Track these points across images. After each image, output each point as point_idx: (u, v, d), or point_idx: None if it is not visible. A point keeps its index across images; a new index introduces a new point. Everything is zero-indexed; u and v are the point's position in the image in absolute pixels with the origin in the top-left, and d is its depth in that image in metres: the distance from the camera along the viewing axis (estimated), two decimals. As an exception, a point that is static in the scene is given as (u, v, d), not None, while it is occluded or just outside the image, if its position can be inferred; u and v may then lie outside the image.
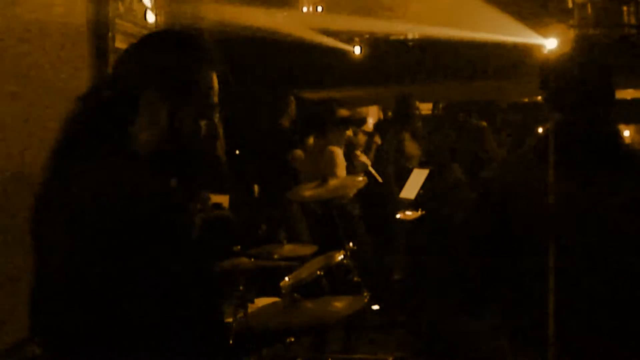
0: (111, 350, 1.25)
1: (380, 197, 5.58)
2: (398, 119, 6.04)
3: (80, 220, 1.26)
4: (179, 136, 1.42)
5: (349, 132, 5.07)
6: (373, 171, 5.21)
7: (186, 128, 1.42)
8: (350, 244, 3.60)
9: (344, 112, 5.07)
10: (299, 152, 5.17)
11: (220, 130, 1.48)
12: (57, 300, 1.29)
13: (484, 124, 6.35)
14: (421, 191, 5.18)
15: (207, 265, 1.43)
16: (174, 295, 1.27)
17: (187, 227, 1.34)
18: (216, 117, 1.48)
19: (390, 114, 8.96)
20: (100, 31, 3.74)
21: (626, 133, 7.76)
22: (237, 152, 6.16)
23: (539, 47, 7.28)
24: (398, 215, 5.39)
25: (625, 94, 8.00)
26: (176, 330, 1.26)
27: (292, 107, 5.46)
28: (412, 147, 5.91)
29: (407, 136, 5.85)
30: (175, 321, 1.26)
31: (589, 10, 8.75)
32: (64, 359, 1.32)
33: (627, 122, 7.73)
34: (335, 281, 3.20)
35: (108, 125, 1.38)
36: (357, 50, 7.51)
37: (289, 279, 3.19)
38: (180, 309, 1.28)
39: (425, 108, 11.14)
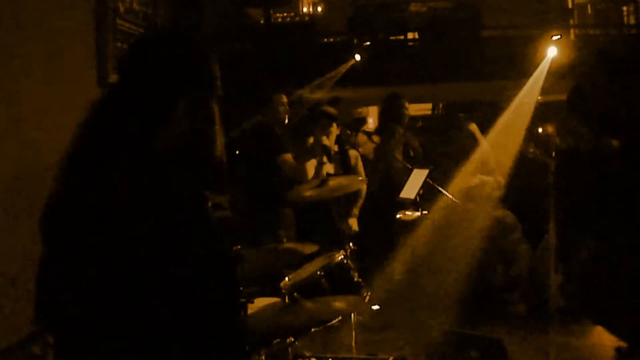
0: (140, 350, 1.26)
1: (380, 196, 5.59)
2: (389, 117, 6.03)
3: (122, 224, 1.26)
4: (201, 126, 1.45)
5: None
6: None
7: (208, 116, 1.47)
8: (350, 244, 3.60)
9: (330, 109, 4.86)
10: (287, 156, 5.00)
11: (220, 131, 1.50)
12: (79, 297, 1.29)
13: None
14: (421, 191, 5.17)
15: (229, 260, 1.45)
16: (203, 293, 1.28)
17: (217, 225, 1.37)
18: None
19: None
20: (100, 31, 3.74)
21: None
22: (237, 152, 6.16)
23: (539, 46, 7.28)
24: (398, 215, 5.39)
25: (625, 94, 7.98)
26: (199, 331, 1.27)
27: (280, 107, 5.22)
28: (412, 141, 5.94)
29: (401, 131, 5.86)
30: (199, 322, 1.27)
31: (589, 10, 8.76)
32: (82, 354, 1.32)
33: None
34: (335, 281, 3.20)
35: (134, 130, 1.38)
36: (357, 57, 7.49)
37: (289, 279, 3.19)
38: (208, 307, 1.28)
39: (425, 108, 11.15)
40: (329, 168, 4.56)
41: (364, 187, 4.82)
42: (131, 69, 1.45)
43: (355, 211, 5.00)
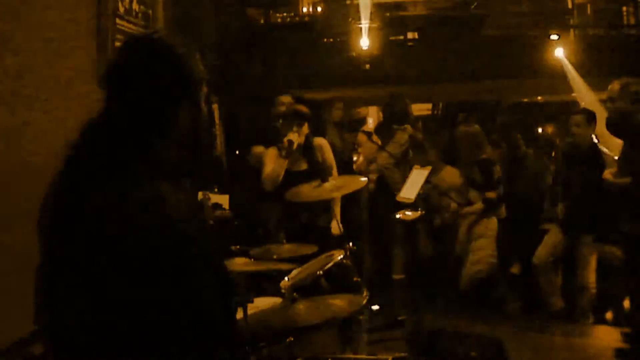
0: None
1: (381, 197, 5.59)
2: (390, 118, 6.01)
3: (128, 234, 1.26)
4: (200, 133, 1.45)
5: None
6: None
7: (204, 121, 1.47)
8: (350, 244, 3.59)
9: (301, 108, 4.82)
10: (259, 149, 4.97)
11: (220, 131, 1.50)
12: (80, 302, 1.29)
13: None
14: (421, 191, 5.17)
15: (224, 267, 1.45)
16: (201, 299, 1.29)
17: (210, 231, 1.38)
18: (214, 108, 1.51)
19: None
20: (100, 31, 3.74)
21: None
22: (237, 152, 6.16)
23: (539, 47, 7.29)
24: (398, 215, 5.38)
25: (625, 94, 7.98)
26: (196, 334, 1.28)
27: (281, 107, 5.24)
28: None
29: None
30: (196, 325, 1.28)
31: (589, 10, 8.75)
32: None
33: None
34: (335, 281, 3.20)
35: (138, 141, 1.37)
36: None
37: (289, 279, 3.19)
38: (204, 312, 1.29)
39: (425, 108, 11.14)
40: (301, 164, 4.55)
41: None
42: (124, 79, 1.41)
43: (335, 213, 4.62)
